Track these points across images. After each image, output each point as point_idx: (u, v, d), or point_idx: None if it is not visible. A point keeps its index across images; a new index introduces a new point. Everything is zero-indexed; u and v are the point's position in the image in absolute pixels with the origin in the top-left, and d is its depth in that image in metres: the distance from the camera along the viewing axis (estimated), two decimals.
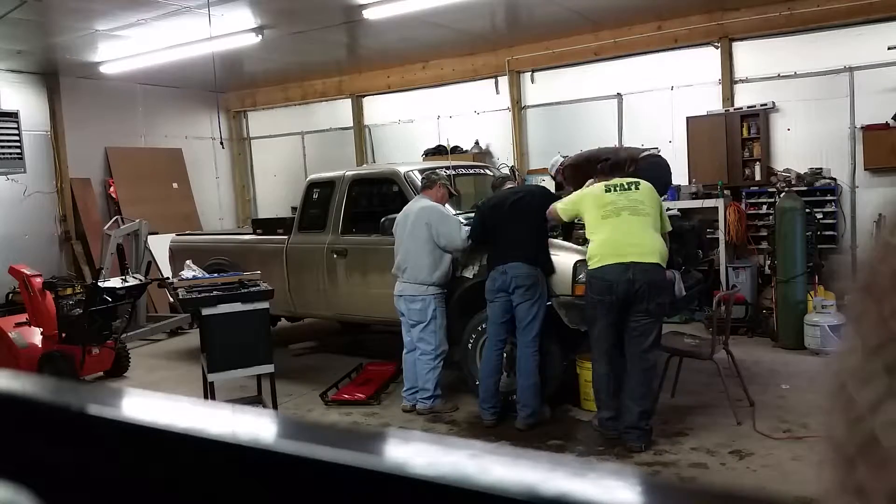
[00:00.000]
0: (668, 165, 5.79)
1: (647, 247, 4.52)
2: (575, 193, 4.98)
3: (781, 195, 7.17)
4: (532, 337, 4.90)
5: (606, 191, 4.69)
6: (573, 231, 5.51)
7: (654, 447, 4.55)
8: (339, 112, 11.44)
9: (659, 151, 6.09)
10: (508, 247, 5.00)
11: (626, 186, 4.69)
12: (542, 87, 9.66)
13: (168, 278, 7.17)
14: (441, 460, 0.51)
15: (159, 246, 8.65)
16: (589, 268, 4.61)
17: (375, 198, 6.88)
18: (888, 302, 0.40)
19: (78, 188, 10.19)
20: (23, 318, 6.78)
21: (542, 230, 5.12)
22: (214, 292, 5.01)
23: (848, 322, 0.43)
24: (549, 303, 5.06)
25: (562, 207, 4.91)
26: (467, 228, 5.42)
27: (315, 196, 6.84)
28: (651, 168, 5.37)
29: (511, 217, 5.06)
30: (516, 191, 5.37)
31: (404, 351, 5.58)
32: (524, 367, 4.93)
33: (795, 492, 3.61)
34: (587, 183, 5.06)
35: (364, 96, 11.21)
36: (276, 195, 12.18)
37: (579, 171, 5.78)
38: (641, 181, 4.76)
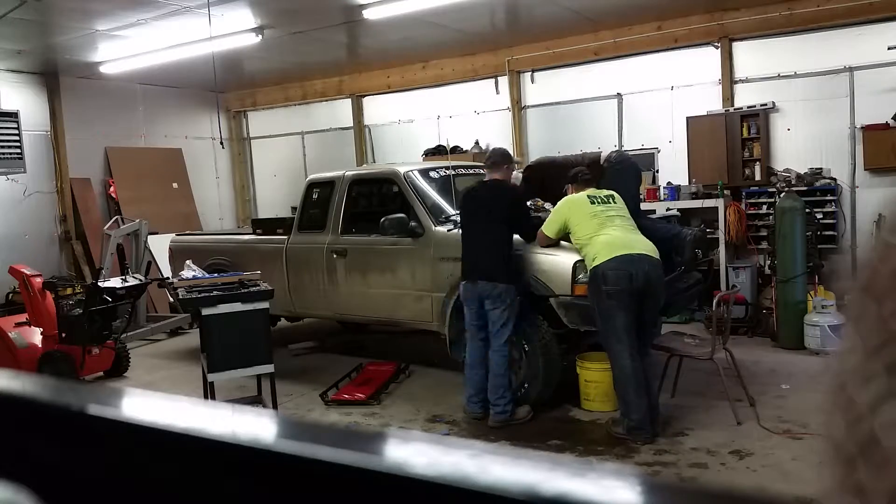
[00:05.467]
0: (636, 167, 5.83)
1: (649, 244, 4.72)
2: (556, 210, 4.99)
3: (781, 195, 7.17)
4: (503, 341, 4.98)
5: (591, 202, 4.82)
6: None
7: (654, 447, 4.56)
8: (339, 112, 11.43)
9: (652, 150, 6.09)
10: (475, 258, 5.04)
11: (605, 199, 4.87)
12: (542, 87, 9.66)
13: (168, 278, 7.17)
14: (441, 460, 0.51)
15: (159, 246, 8.66)
16: (598, 262, 4.58)
17: (375, 198, 6.88)
18: (888, 302, 0.40)
19: (78, 188, 10.19)
20: (23, 318, 6.78)
21: (507, 235, 5.05)
22: (214, 292, 5.01)
23: (848, 322, 0.43)
24: (558, 298, 5.10)
25: (552, 228, 4.94)
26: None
27: (315, 196, 6.84)
28: (618, 175, 5.46)
29: (477, 218, 5.11)
30: (482, 188, 5.30)
31: None
32: (494, 367, 5.02)
33: (795, 492, 3.62)
34: (566, 189, 5.11)
35: (364, 96, 11.21)
36: (276, 195, 12.18)
37: (536, 173, 5.99)
38: (614, 194, 4.95)
